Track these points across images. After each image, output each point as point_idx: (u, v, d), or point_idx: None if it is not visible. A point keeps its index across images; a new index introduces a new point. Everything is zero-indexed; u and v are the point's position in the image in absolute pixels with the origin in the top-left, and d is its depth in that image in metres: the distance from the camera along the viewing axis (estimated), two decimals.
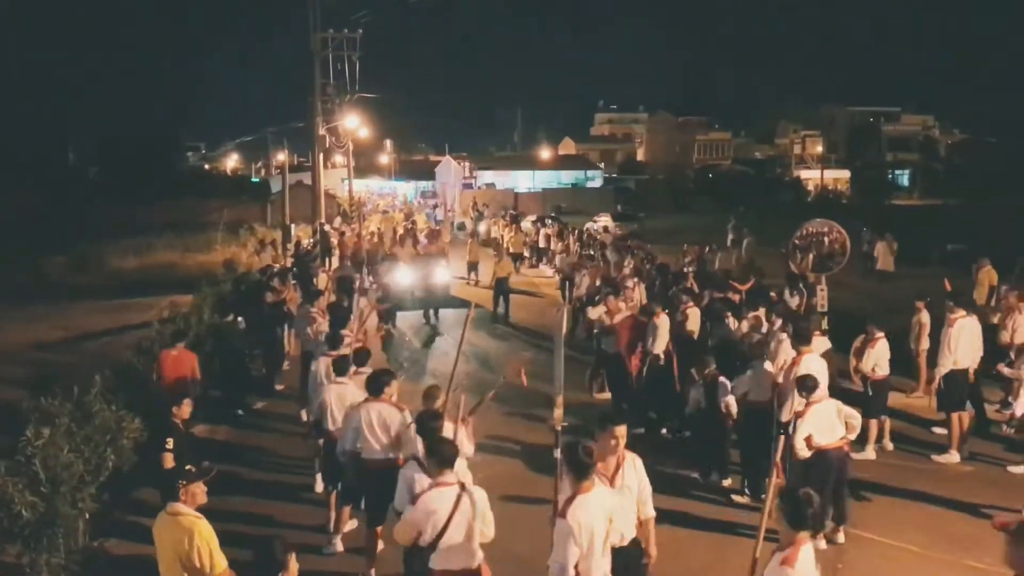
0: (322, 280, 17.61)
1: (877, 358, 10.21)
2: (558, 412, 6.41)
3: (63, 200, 41.77)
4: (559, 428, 6.28)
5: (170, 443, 7.45)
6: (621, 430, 5.65)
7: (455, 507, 5.27)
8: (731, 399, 9.14)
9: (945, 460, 9.87)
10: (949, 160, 75.01)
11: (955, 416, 10.00)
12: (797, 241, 14.26)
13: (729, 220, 32.23)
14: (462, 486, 5.39)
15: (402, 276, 19.24)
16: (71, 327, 17.67)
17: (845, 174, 76.01)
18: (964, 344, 10.10)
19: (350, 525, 8.01)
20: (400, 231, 27.22)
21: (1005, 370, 10.52)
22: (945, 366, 10.04)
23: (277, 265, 19.45)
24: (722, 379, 9.29)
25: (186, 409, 7.85)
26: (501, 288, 19.67)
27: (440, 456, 5.48)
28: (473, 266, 25.14)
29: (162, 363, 10.52)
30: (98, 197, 45.42)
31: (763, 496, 8.68)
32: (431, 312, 19.29)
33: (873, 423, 10.16)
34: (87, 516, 7.62)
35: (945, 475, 9.59)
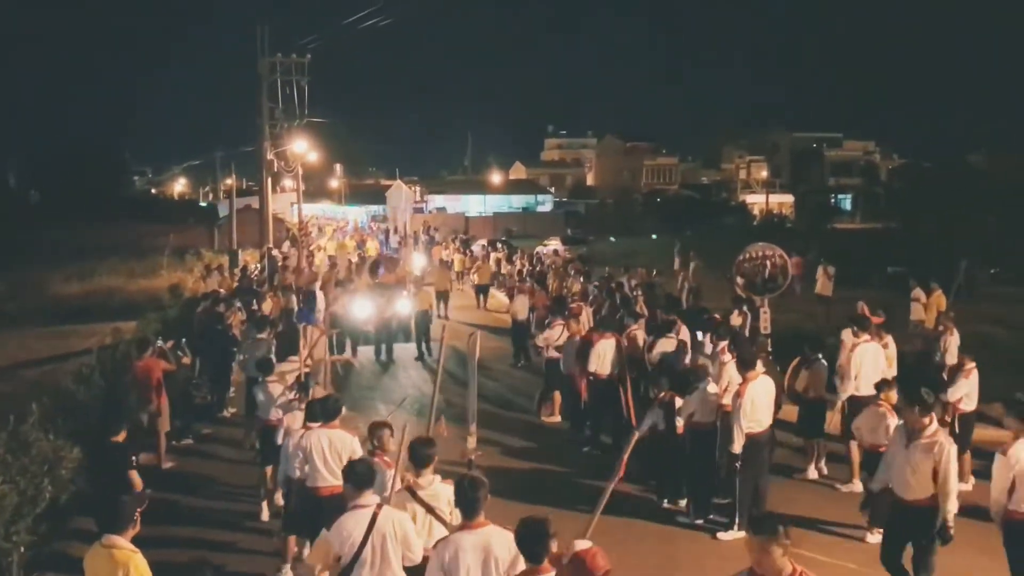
0: (267, 306, 17.27)
1: (811, 380, 10.40)
2: (471, 441, 6.42)
3: (0, 223, 40.73)
4: (472, 458, 6.28)
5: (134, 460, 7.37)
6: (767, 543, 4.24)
7: (369, 529, 5.19)
8: (680, 420, 9.28)
9: (848, 490, 9.78)
10: (889, 185, 76.96)
11: (852, 444, 9.77)
12: (744, 264, 14.51)
13: (675, 244, 32.65)
14: (379, 507, 5.31)
15: (359, 308, 17.05)
16: (8, 354, 17.18)
17: (789, 198, 77.56)
18: (867, 369, 10.08)
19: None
20: (355, 259, 26.70)
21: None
22: (847, 391, 10.13)
23: (223, 290, 19.19)
24: (677, 399, 9.40)
25: (123, 435, 7.70)
26: (420, 322, 18.16)
27: (357, 477, 5.44)
28: (443, 296, 22.84)
29: (135, 373, 11.08)
30: (39, 220, 44.44)
31: (708, 517, 8.95)
32: (383, 348, 17.80)
33: (812, 444, 10.48)
34: (22, 549, 7.42)
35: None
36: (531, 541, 4.41)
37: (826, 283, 21.72)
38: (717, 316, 13.04)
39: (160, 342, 11.87)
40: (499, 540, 4.81)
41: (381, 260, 26.09)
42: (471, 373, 6.91)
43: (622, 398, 11.25)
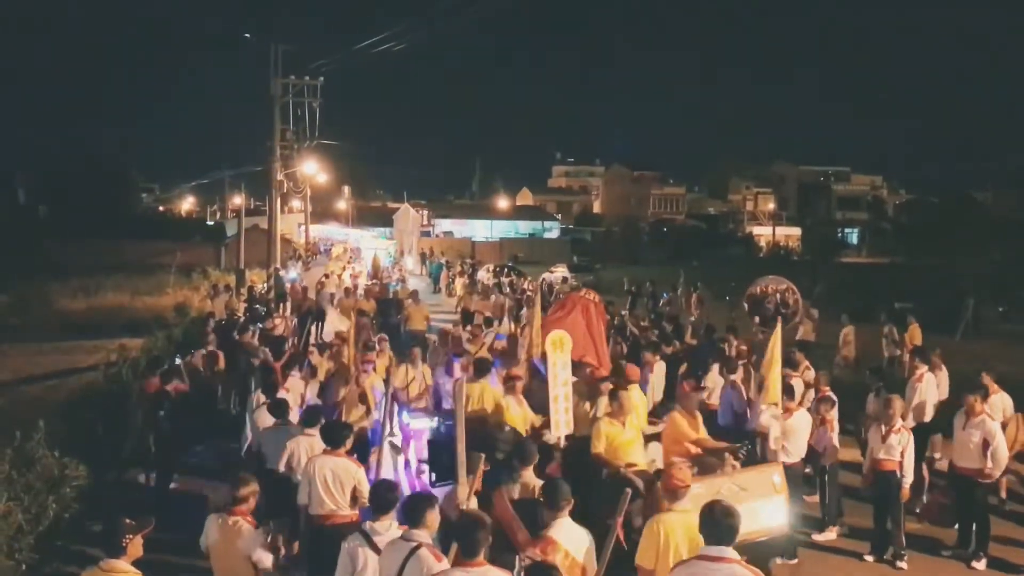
0: (280, 327, 17.07)
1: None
2: (462, 491, 6.25)
3: (8, 237, 40.74)
4: (464, 507, 6.09)
5: None
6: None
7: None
8: None
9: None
10: (896, 219, 76.98)
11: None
12: (754, 296, 14.47)
13: (680, 274, 32.49)
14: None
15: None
16: (12, 368, 17.12)
17: (796, 231, 77.62)
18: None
19: None
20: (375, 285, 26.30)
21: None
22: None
23: (230, 309, 19.10)
24: None
25: None
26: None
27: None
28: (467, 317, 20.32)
29: (146, 392, 10.79)
30: (46, 235, 44.54)
31: None
32: None
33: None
34: (24, 568, 7.33)
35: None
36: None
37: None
38: (734, 346, 12.97)
39: (177, 359, 11.80)
40: None
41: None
42: (457, 420, 6.70)
43: None
